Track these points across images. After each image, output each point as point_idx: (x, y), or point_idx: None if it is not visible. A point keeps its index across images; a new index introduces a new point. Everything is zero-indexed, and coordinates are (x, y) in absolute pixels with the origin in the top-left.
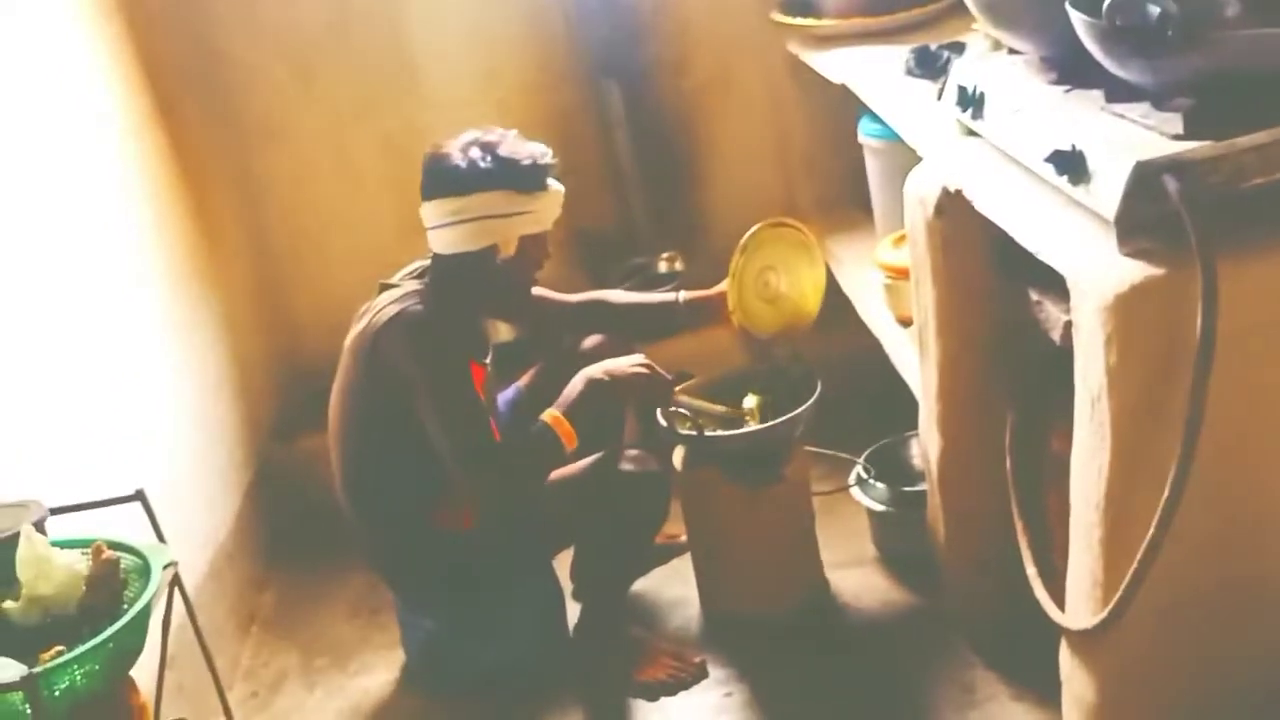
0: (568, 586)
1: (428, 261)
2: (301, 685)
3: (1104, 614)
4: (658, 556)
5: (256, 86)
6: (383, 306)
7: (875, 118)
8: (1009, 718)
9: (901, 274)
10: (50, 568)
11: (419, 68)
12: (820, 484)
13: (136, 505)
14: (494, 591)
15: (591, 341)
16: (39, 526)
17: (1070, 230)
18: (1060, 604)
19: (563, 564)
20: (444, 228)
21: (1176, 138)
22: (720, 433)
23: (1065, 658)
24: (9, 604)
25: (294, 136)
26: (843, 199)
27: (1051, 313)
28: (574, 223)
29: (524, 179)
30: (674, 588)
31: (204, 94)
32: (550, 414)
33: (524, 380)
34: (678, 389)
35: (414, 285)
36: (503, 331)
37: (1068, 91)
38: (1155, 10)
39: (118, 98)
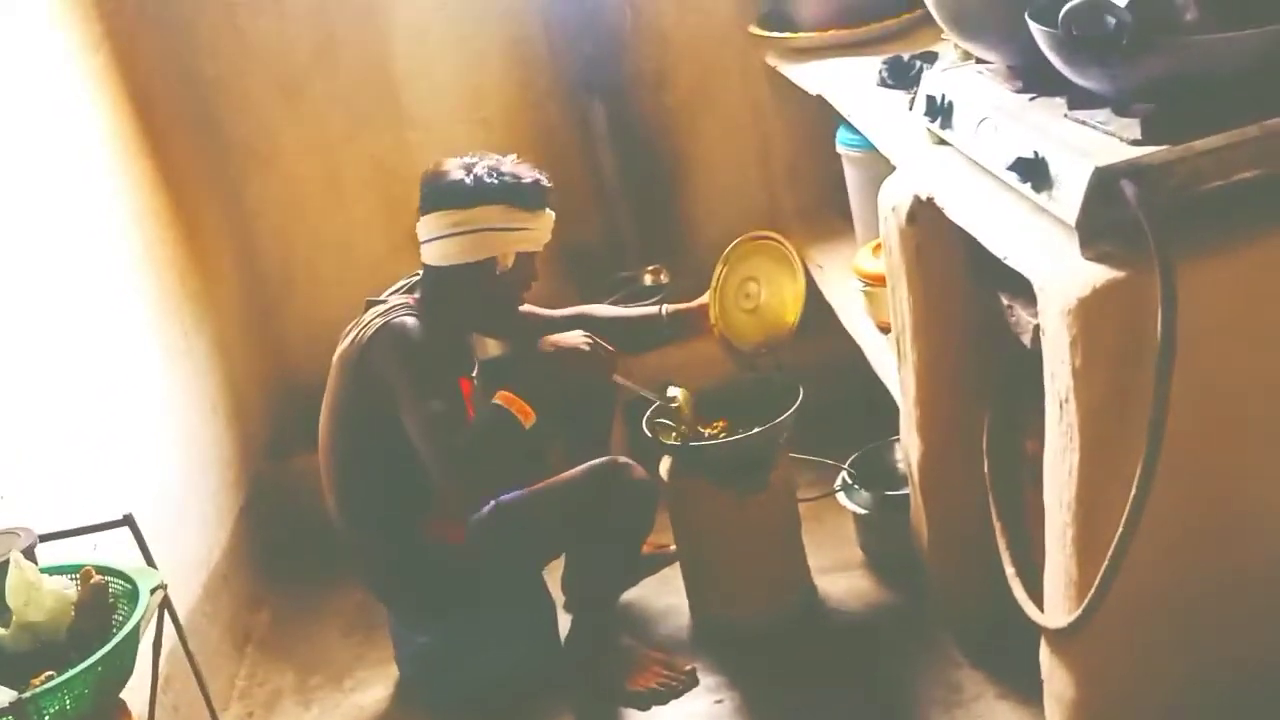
0: (559, 598)
1: (415, 277)
2: (297, 704)
3: (1078, 612)
4: (647, 566)
5: (245, 111)
6: (369, 321)
7: (852, 128)
8: (994, 717)
9: (879, 281)
10: (40, 594)
11: (405, 89)
12: (806, 490)
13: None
14: (486, 605)
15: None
16: (29, 553)
17: (1036, 236)
18: (1039, 603)
19: (554, 576)
20: (442, 239)
21: (1135, 143)
22: (706, 442)
23: (1045, 656)
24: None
25: (283, 159)
26: (825, 208)
27: (1022, 317)
28: (561, 238)
29: (525, 196)
30: (664, 597)
31: (192, 120)
32: (501, 394)
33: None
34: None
35: (402, 299)
36: (491, 347)
37: (1032, 99)
38: (1111, 19)
39: (106, 126)
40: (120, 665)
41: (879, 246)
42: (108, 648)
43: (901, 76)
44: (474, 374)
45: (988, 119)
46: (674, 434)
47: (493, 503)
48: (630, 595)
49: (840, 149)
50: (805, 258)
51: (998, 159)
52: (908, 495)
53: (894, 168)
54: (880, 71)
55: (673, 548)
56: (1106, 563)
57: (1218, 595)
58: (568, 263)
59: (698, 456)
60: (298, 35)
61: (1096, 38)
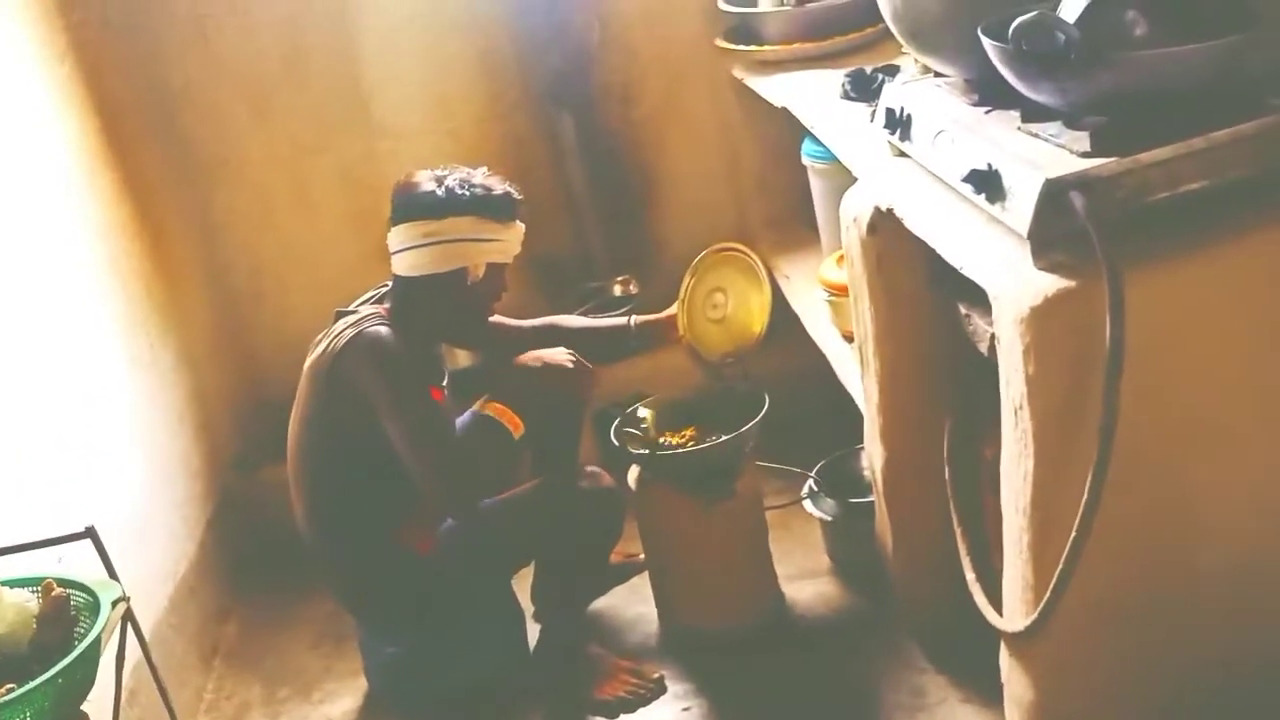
0: (529, 608)
1: (385, 288)
2: (265, 716)
3: (1034, 615)
4: (617, 575)
5: (212, 122)
6: (340, 331)
7: (817, 140)
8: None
9: (843, 291)
10: (1, 608)
11: (373, 100)
12: (774, 498)
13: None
14: (455, 614)
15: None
16: None
17: (990, 246)
18: (999, 607)
19: (524, 585)
20: (413, 250)
21: (1084, 155)
22: (673, 451)
23: (1004, 659)
24: None
25: (251, 170)
26: (793, 219)
27: (979, 326)
28: (530, 249)
29: (496, 208)
30: (633, 605)
31: (160, 130)
32: (492, 405)
33: (477, 405)
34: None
35: (373, 309)
36: (461, 358)
37: (988, 112)
38: (1060, 35)
39: (71, 137)
40: (81, 677)
41: (843, 257)
42: (68, 660)
43: (864, 89)
44: (444, 383)
45: (944, 131)
46: (640, 443)
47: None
48: (600, 604)
49: (806, 160)
50: (773, 268)
51: (953, 171)
52: (873, 502)
53: (856, 179)
54: (843, 84)
55: (641, 556)
56: (1060, 567)
57: (1172, 598)
58: (537, 273)
59: (665, 465)
60: (266, 46)
61: (1046, 53)
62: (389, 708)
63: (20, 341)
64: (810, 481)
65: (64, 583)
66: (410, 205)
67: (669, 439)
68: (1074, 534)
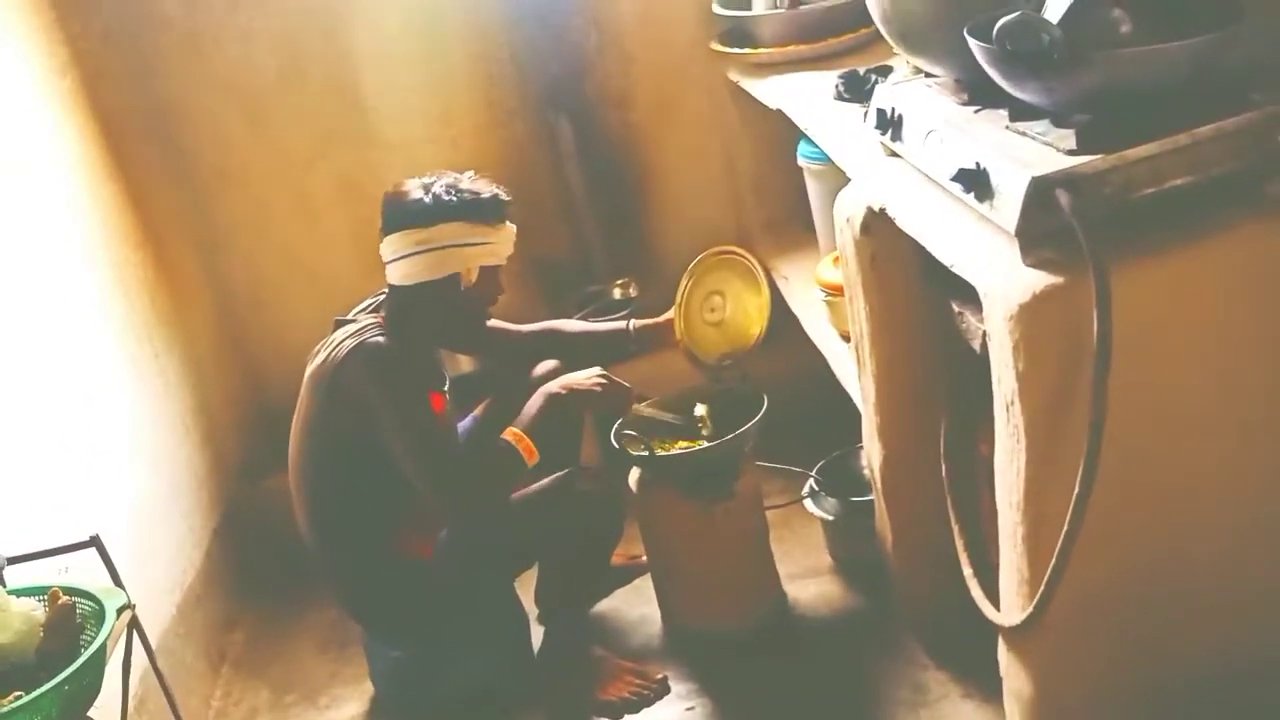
0: (533, 610)
1: (382, 296)
2: None
3: (1030, 609)
4: (620, 577)
5: (212, 134)
6: (340, 341)
7: (811, 141)
8: (959, 716)
9: (839, 291)
10: (8, 616)
11: (371, 109)
12: (776, 498)
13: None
14: (458, 619)
15: (544, 367)
16: None
17: (980, 244)
18: (997, 602)
19: (527, 588)
20: (406, 259)
21: (1070, 153)
22: (672, 452)
23: (1003, 654)
24: None
25: (251, 181)
26: (790, 220)
27: (971, 323)
28: (530, 252)
29: (484, 211)
30: (637, 607)
31: (160, 143)
32: (511, 431)
33: (478, 411)
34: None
35: (371, 319)
36: (463, 364)
37: (977, 112)
38: (1045, 35)
39: (73, 150)
40: (87, 685)
41: (839, 257)
42: (73, 667)
43: (857, 90)
44: (445, 389)
45: (934, 131)
46: (640, 445)
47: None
48: (604, 606)
49: (801, 162)
50: (771, 269)
51: (943, 170)
52: (873, 501)
53: (850, 179)
54: (837, 86)
55: (644, 558)
56: (1054, 560)
57: (1164, 589)
58: (537, 277)
59: (665, 467)
60: (263, 58)
61: (1030, 53)
62: (394, 712)
63: (26, 352)
64: (811, 481)
65: (70, 591)
66: (399, 214)
67: (661, 447)
68: (1066, 527)
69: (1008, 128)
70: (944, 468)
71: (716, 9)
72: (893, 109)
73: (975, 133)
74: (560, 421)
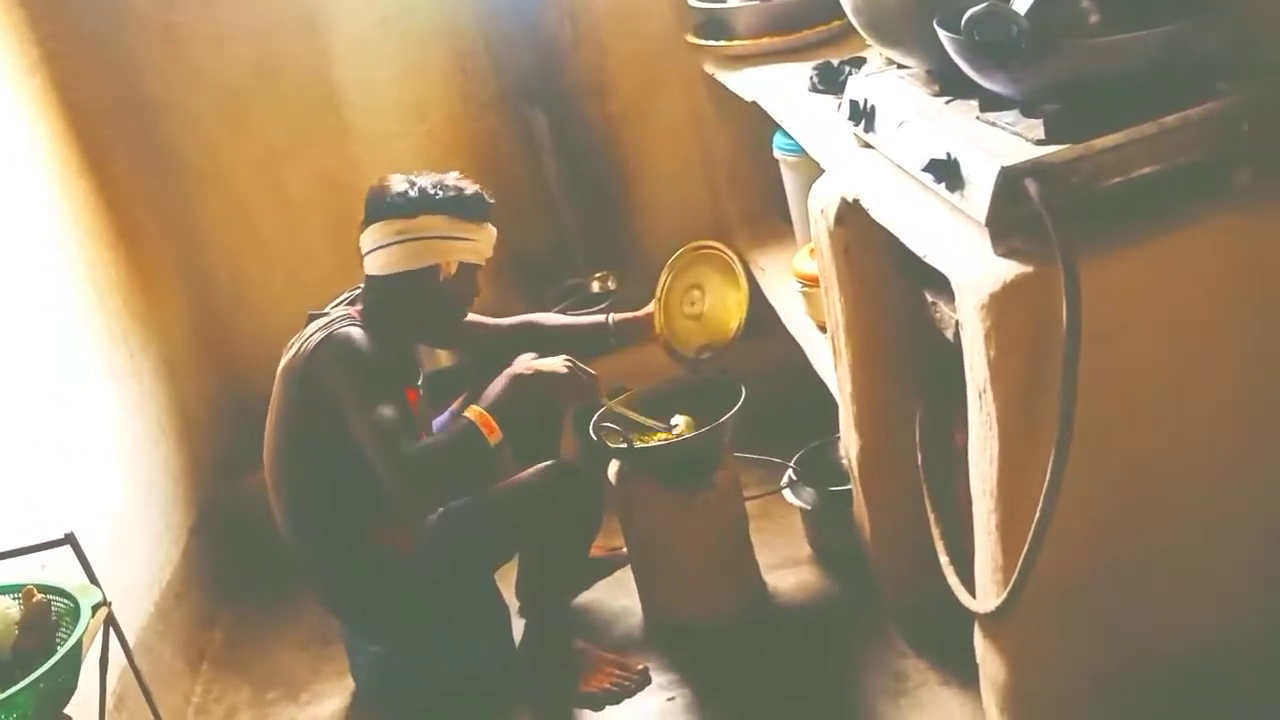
0: (513, 603)
1: (357, 290)
2: (253, 719)
3: (1004, 595)
4: (600, 569)
5: (187, 130)
6: (311, 334)
7: (787, 133)
8: (937, 703)
9: (816, 282)
10: None
11: (348, 104)
12: (755, 489)
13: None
14: (439, 612)
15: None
16: None
17: (952, 234)
18: (973, 590)
19: (508, 581)
20: (386, 248)
21: (1039, 142)
22: (651, 444)
23: (978, 640)
24: None
25: (228, 177)
26: (768, 212)
27: (945, 313)
28: (508, 247)
29: (468, 208)
30: (618, 599)
31: (134, 140)
32: (473, 409)
33: (454, 405)
34: (613, 401)
35: (344, 311)
36: (441, 358)
37: (948, 102)
38: (1012, 26)
39: (45, 149)
40: (63, 682)
41: (814, 248)
42: (48, 664)
43: (831, 82)
44: (419, 383)
45: (906, 122)
46: (620, 437)
47: (441, 509)
48: (585, 598)
49: (777, 154)
50: (748, 261)
51: (915, 161)
52: (851, 490)
53: (824, 171)
54: (811, 77)
55: (624, 550)
56: (1027, 547)
57: (1136, 575)
58: (515, 271)
59: (644, 459)
60: (239, 53)
61: (998, 42)
62: (376, 707)
63: None
64: (789, 471)
65: (45, 589)
66: (383, 205)
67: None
68: (1039, 514)
69: (978, 118)
70: (920, 457)
71: (691, 1)
72: (865, 100)
73: (946, 123)
74: (526, 404)
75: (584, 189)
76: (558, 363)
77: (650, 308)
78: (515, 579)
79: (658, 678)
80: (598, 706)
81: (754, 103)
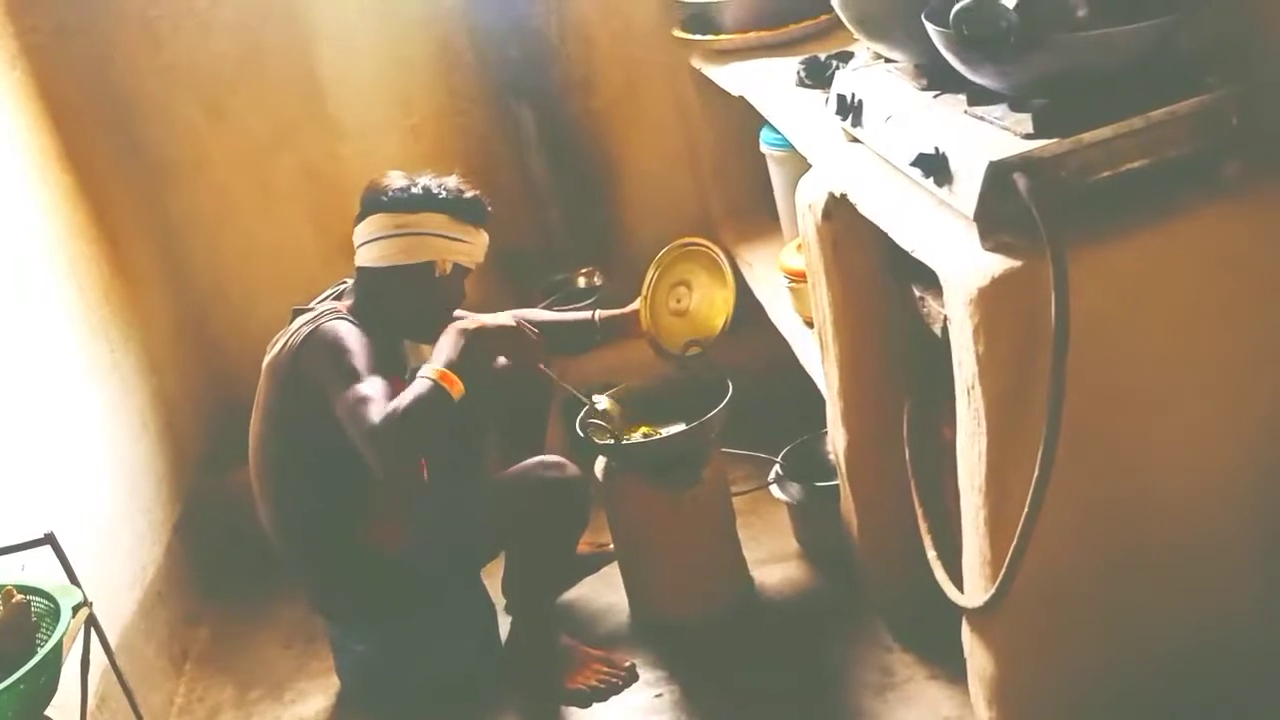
0: (500, 601)
1: (343, 285)
2: (237, 718)
3: (992, 590)
4: (587, 565)
5: (169, 124)
6: (298, 328)
7: (774, 128)
8: (925, 697)
9: (803, 277)
10: None
11: (332, 97)
12: (742, 484)
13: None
14: (425, 609)
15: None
16: None
17: (940, 229)
18: (961, 585)
19: (494, 579)
20: (383, 240)
21: (1028, 137)
22: (637, 440)
23: (966, 635)
24: None
25: (210, 171)
26: (754, 207)
27: (933, 308)
28: (494, 242)
29: (467, 210)
30: (604, 595)
31: (114, 134)
32: (430, 368)
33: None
34: (601, 396)
35: (330, 306)
36: (425, 353)
37: (936, 97)
38: (1001, 19)
39: (24, 142)
40: (44, 684)
41: (802, 243)
42: (28, 666)
43: (818, 76)
44: (406, 377)
45: (894, 116)
46: (606, 433)
47: (430, 507)
48: (571, 594)
49: (764, 148)
50: (735, 256)
51: (903, 155)
52: (838, 486)
53: (812, 166)
54: (798, 72)
55: (611, 546)
56: (1015, 542)
57: (1123, 569)
58: (501, 267)
59: (630, 455)
60: (221, 47)
61: (987, 36)
62: (361, 705)
63: None
64: (776, 466)
65: (24, 589)
66: (383, 198)
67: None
68: (1026, 509)
69: (966, 112)
70: (907, 452)
71: None
72: (853, 95)
73: (934, 118)
74: (471, 359)
75: (570, 184)
76: (505, 317)
77: (636, 304)
78: (501, 576)
79: (645, 674)
80: (584, 704)
81: (740, 97)
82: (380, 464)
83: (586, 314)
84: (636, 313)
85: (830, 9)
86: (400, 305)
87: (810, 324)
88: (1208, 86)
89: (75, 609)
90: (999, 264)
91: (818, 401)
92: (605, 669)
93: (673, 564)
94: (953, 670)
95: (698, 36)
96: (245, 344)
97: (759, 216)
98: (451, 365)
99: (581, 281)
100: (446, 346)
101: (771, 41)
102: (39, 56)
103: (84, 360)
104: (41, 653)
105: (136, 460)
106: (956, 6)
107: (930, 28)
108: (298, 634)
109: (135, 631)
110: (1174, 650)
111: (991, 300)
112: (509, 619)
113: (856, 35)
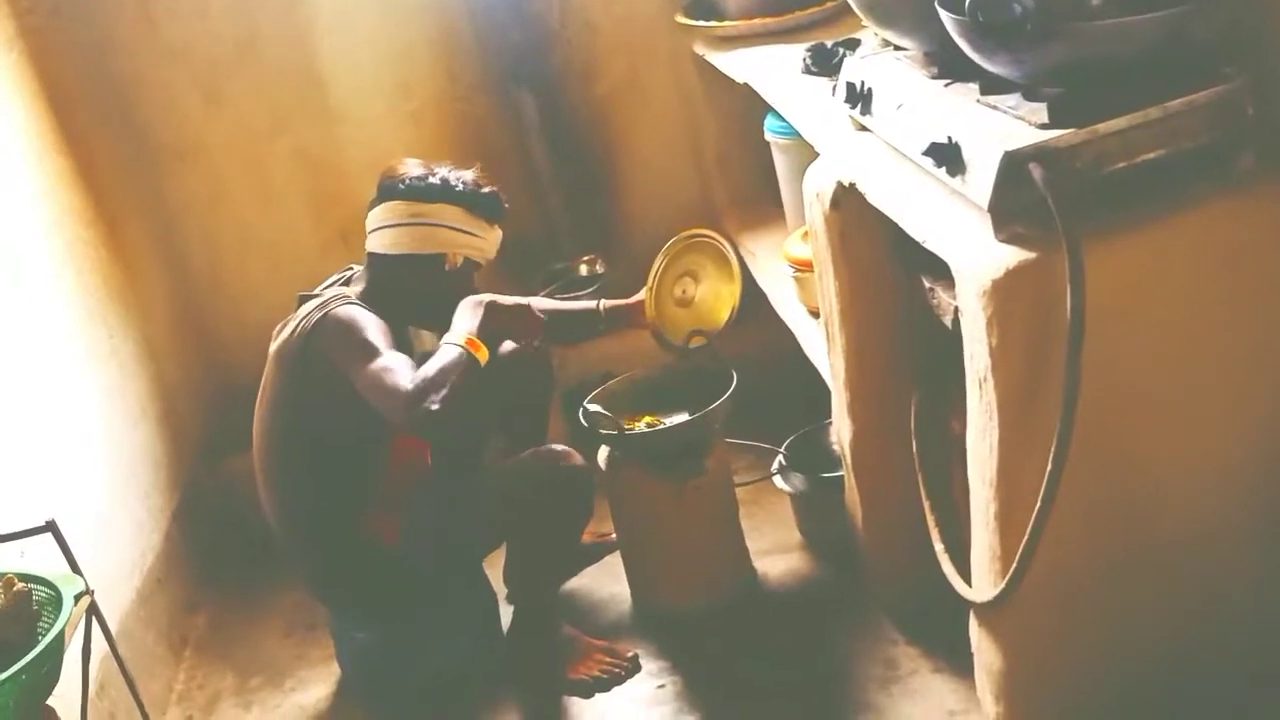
0: (501, 590)
1: (350, 272)
2: (237, 705)
3: (1002, 585)
4: (589, 555)
5: (166, 108)
6: (308, 314)
7: (779, 115)
8: (930, 690)
9: (808, 267)
10: None
11: (331, 83)
12: (746, 475)
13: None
14: (426, 599)
15: (510, 343)
16: None
17: (952, 219)
18: (968, 578)
19: (496, 568)
20: (397, 227)
21: (1043, 127)
22: (642, 429)
23: (974, 629)
24: None
25: (207, 156)
26: (758, 195)
27: (943, 299)
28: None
29: (485, 206)
30: (607, 585)
31: (112, 118)
32: (455, 335)
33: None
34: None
35: (338, 292)
36: (428, 340)
37: (947, 85)
38: (1017, 6)
39: (21, 126)
40: (46, 673)
41: (808, 233)
42: (31, 656)
43: (825, 64)
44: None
45: (904, 105)
46: (610, 423)
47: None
48: (573, 584)
49: (769, 136)
50: (738, 245)
51: (914, 144)
52: (843, 477)
53: (819, 154)
54: (804, 59)
55: (613, 536)
56: (1026, 536)
57: (1136, 565)
58: (502, 254)
59: (634, 445)
60: (219, 31)
61: (1003, 24)
62: (361, 694)
63: None
64: (780, 457)
65: (25, 578)
66: (401, 185)
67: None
68: (1039, 504)
69: (979, 101)
70: (915, 444)
71: None
72: (862, 82)
73: (946, 106)
74: (496, 329)
75: (571, 171)
76: (517, 299)
77: (641, 294)
78: (503, 565)
79: (647, 664)
80: (587, 694)
81: (744, 84)
82: (422, 431)
83: (591, 303)
84: (641, 302)
85: None
86: (408, 293)
87: (816, 314)
88: (1224, 77)
89: (77, 597)
90: (1013, 255)
91: (821, 392)
92: (607, 659)
93: (676, 554)
94: (957, 663)
95: (701, 22)
96: (243, 330)
97: (762, 205)
98: (473, 334)
99: (583, 269)
100: (466, 316)
101: (776, 28)
102: (36, 38)
103: (82, 346)
104: (44, 642)
105: (135, 446)
106: None
107: (944, 14)
108: (298, 622)
109: (134, 619)
110: (1180, 646)
111: (1005, 292)
112: (511, 609)
113: (865, 22)
